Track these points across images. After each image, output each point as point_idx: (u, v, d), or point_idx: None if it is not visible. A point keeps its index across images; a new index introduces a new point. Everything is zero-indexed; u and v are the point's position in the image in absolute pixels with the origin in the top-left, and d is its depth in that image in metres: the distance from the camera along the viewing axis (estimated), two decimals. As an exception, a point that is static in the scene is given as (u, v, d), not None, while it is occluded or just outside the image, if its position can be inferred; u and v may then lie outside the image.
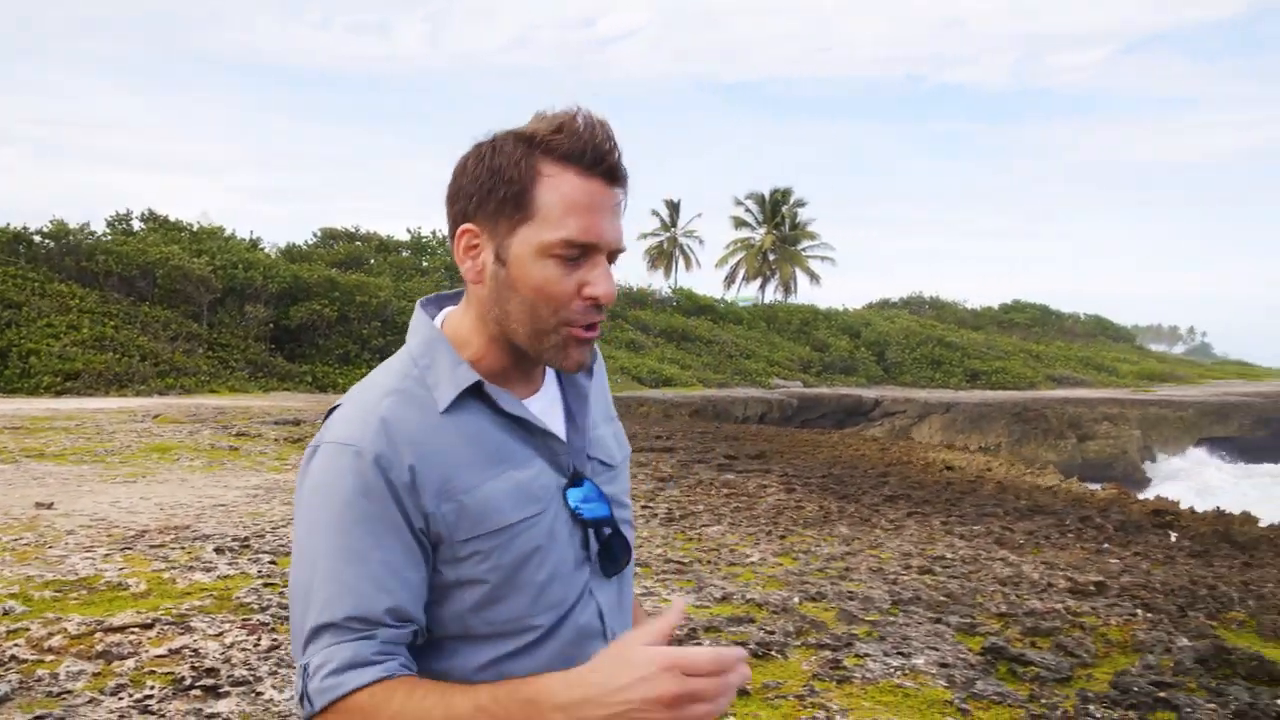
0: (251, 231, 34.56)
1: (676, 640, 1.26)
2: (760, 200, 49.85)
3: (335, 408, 1.20)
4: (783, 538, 7.17)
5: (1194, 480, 28.19)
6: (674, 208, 53.48)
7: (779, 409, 30.43)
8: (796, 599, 5.33)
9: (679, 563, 6.12)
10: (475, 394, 1.20)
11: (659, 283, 50.63)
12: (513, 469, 1.20)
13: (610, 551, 1.26)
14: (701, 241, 55.17)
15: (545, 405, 1.28)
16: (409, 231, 36.91)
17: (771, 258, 49.80)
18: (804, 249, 50.29)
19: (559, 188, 1.15)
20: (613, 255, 1.19)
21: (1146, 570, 6.65)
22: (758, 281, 50.42)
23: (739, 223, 50.20)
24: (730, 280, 50.56)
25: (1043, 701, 4.02)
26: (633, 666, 1.01)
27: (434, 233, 37.75)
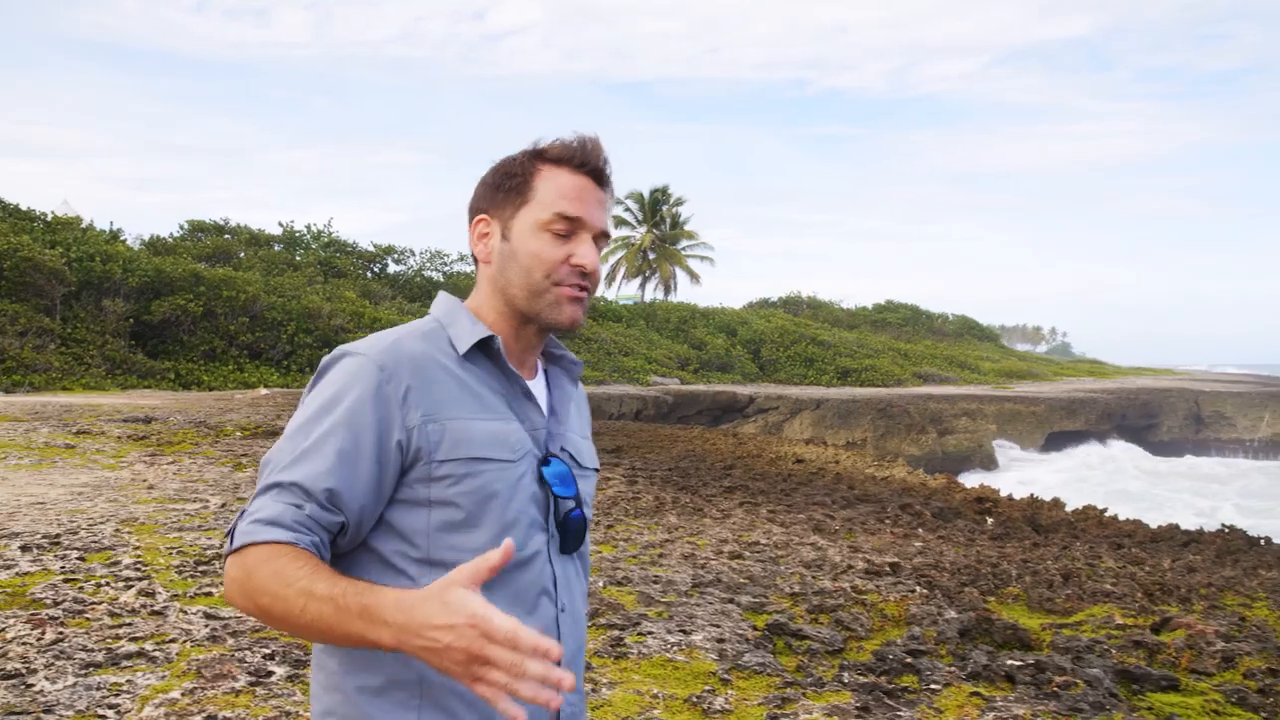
0: (112, 223, 33.07)
1: None
2: (640, 199, 50.35)
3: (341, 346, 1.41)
4: (609, 527, 7.42)
5: (1040, 470, 29.86)
6: (557, 205, 53.37)
7: (654, 406, 30.84)
8: (602, 583, 5.57)
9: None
10: (484, 352, 1.41)
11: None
12: (497, 420, 1.38)
13: (569, 529, 1.42)
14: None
15: (535, 390, 1.47)
16: (281, 225, 36.00)
17: (651, 256, 50.39)
18: (683, 248, 51.03)
19: (554, 179, 1.42)
20: (599, 239, 1.44)
21: (940, 552, 7.15)
22: (639, 280, 50.98)
23: (619, 221, 50.56)
24: (611, 279, 50.95)
25: (806, 671, 4.35)
26: (447, 609, 1.08)
27: (309, 226, 36.93)
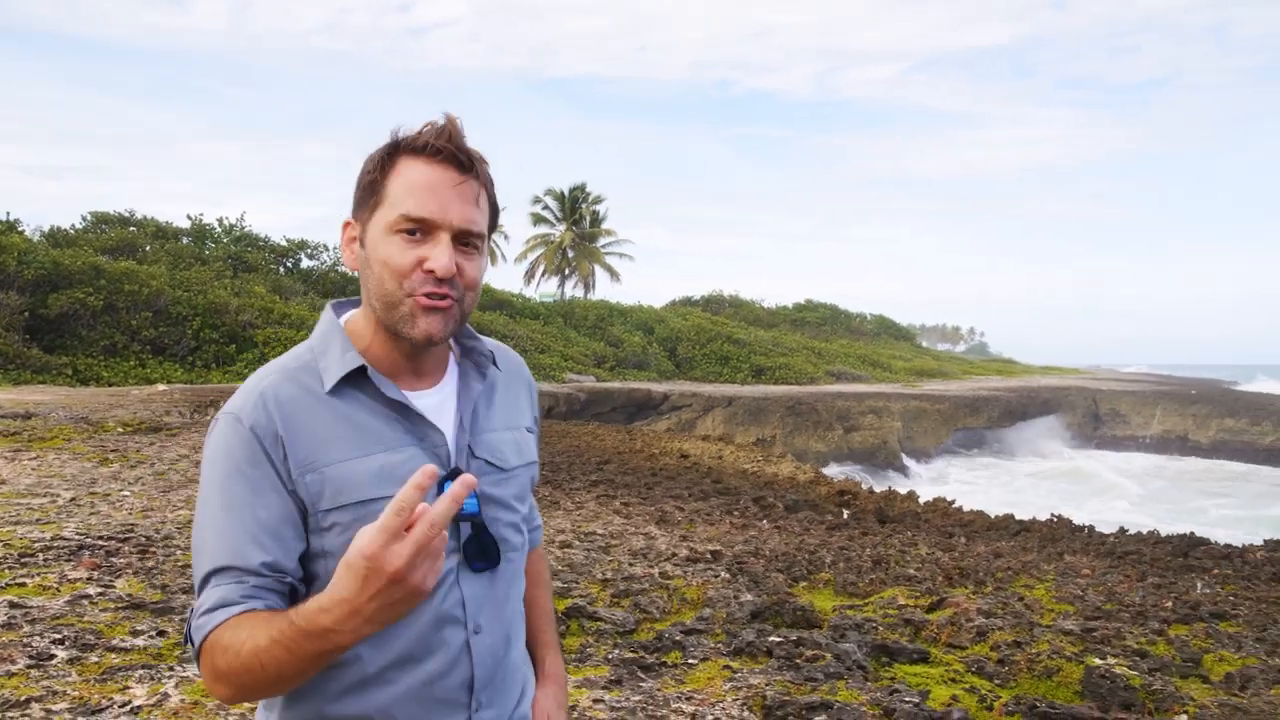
0: (9, 213, 32.19)
1: None
2: (559, 197, 50.50)
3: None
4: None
5: (942, 465, 30.82)
6: (479, 202, 53.32)
7: (566, 402, 31.04)
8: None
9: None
10: (360, 379, 1.32)
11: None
12: (383, 452, 1.29)
13: (479, 546, 1.34)
14: (507, 237, 55.32)
15: (436, 401, 1.37)
16: (190, 218, 35.40)
17: (570, 254, 50.58)
18: (603, 246, 51.33)
19: (405, 174, 1.29)
20: (461, 235, 1.29)
21: (768, 540, 7.53)
22: (559, 277, 51.14)
23: (537, 219, 50.71)
24: (530, 276, 51.08)
25: (582, 650, 4.64)
26: (353, 570, 1.06)
27: (220, 220, 36.32)
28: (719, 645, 4.71)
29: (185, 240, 34.79)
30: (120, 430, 13.14)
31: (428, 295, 1.28)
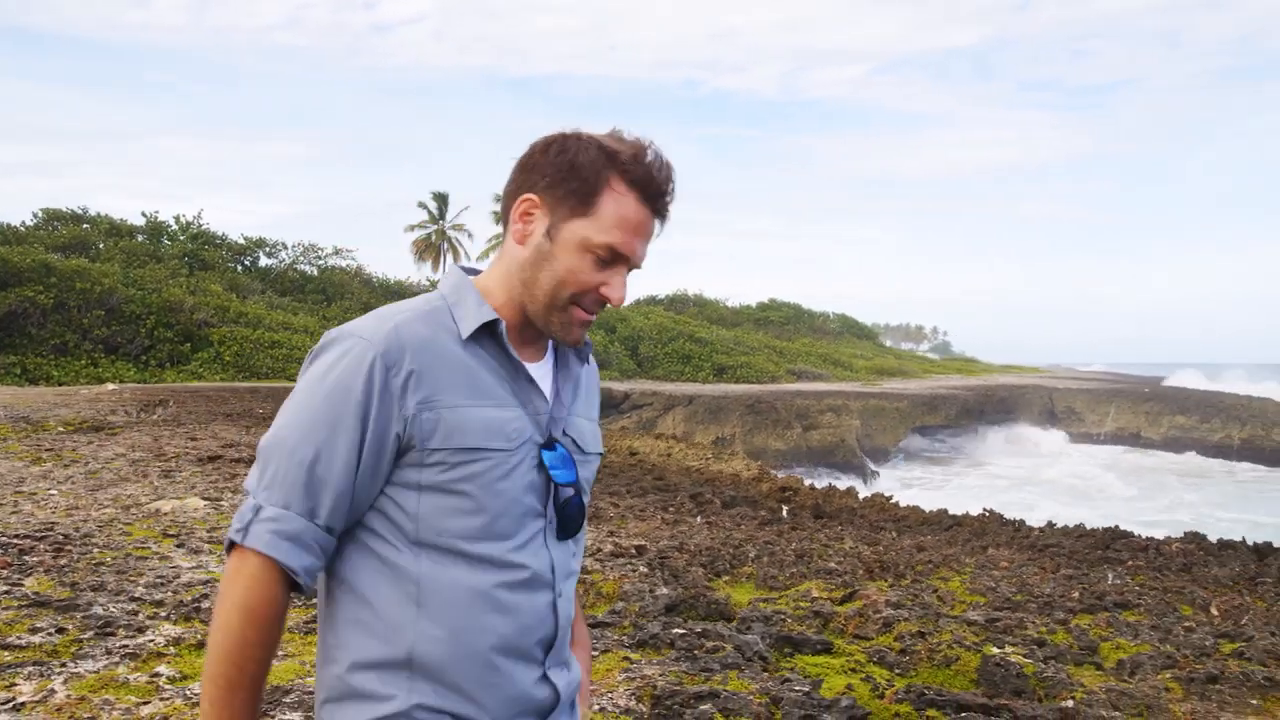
0: (-42, 210, 31.67)
1: None
2: (522, 196, 50.30)
3: (343, 325, 1.39)
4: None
5: (903, 464, 31.15)
6: (442, 200, 53.28)
7: (526, 401, 31.07)
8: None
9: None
10: (488, 335, 1.39)
11: (429, 275, 50.35)
12: (493, 406, 1.36)
13: (567, 515, 1.42)
14: (471, 235, 55.24)
15: (539, 374, 1.44)
16: (145, 215, 34.95)
17: (533, 253, 50.48)
18: (566, 245, 51.27)
19: (619, 202, 1.36)
20: (631, 269, 1.41)
21: (694, 536, 7.60)
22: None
23: (499, 217, 50.28)
24: (492, 275, 50.83)
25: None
26: None
27: (177, 217, 35.91)
28: (623, 638, 4.77)
29: (140, 238, 34.38)
30: (60, 429, 12.99)
31: (587, 312, 1.39)
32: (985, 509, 10.16)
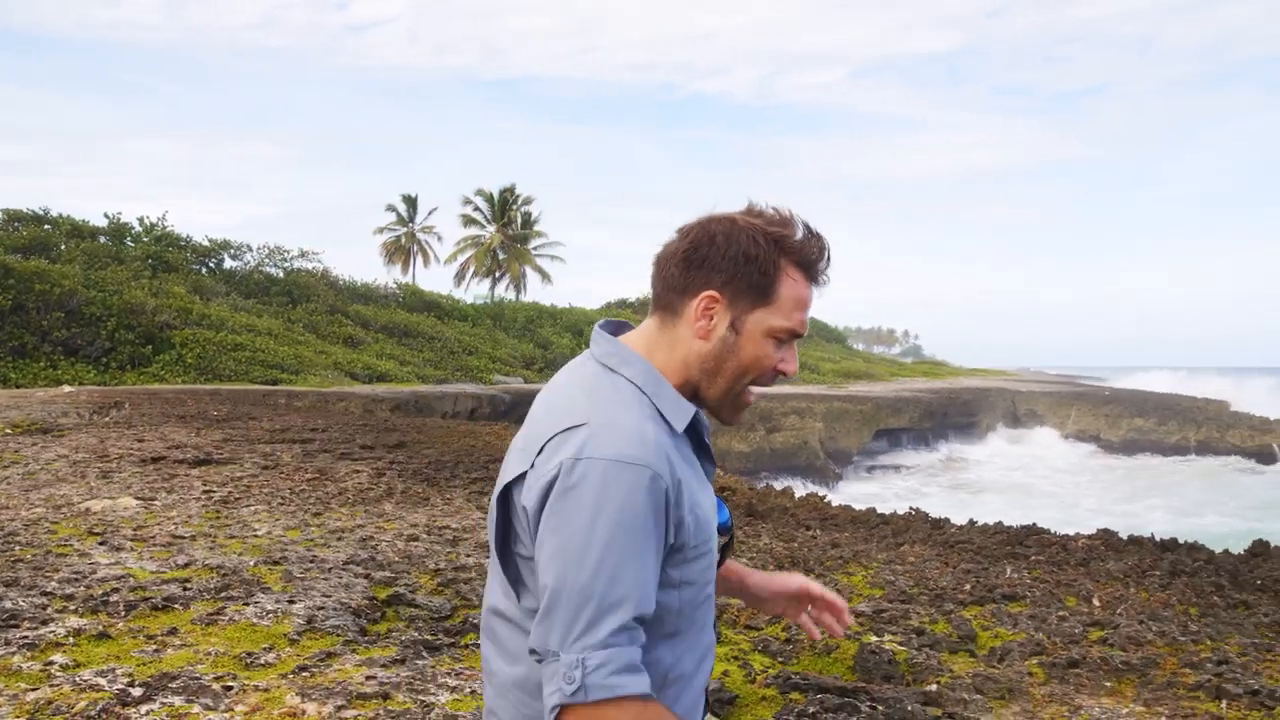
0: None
1: None
2: (489, 198, 50.62)
3: (575, 427, 1.36)
4: (317, 514, 7.82)
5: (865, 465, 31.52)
6: (411, 203, 53.40)
7: (490, 404, 31.11)
8: (253, 562, 5.98)
9: (181, 536, 6.63)
10: (689, 426, 1.49)
11: (398, 278, 50.35)
12: (707, 492, 1.50)
13: (725, 554, 1.59)
14: (440, 238, 55.32)
15: None
16: (107, 216, 34.79)
17: (501, 256, 50.70)
18: (534, 247, 51.52)
19: (794, 288, 1.47)
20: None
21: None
22: (489, 279, 51.23)
23: (468, 220, 50.83)
24: (460, 277, 51.13)
25: (392, 634, 4.86)
26: None
27: (141, 218, 35.76)
28: (516, 627, 4.97)
29: (103, 239, 34.22)
30: (8, 431, 13.03)
31: (750, 394, 1.51)
32: (911, 508, 10.43)
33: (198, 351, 28.27)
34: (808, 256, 1.48)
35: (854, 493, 25.00)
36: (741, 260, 1.44)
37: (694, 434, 1.50)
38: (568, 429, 1.36)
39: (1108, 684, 4.77)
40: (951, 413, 39.67)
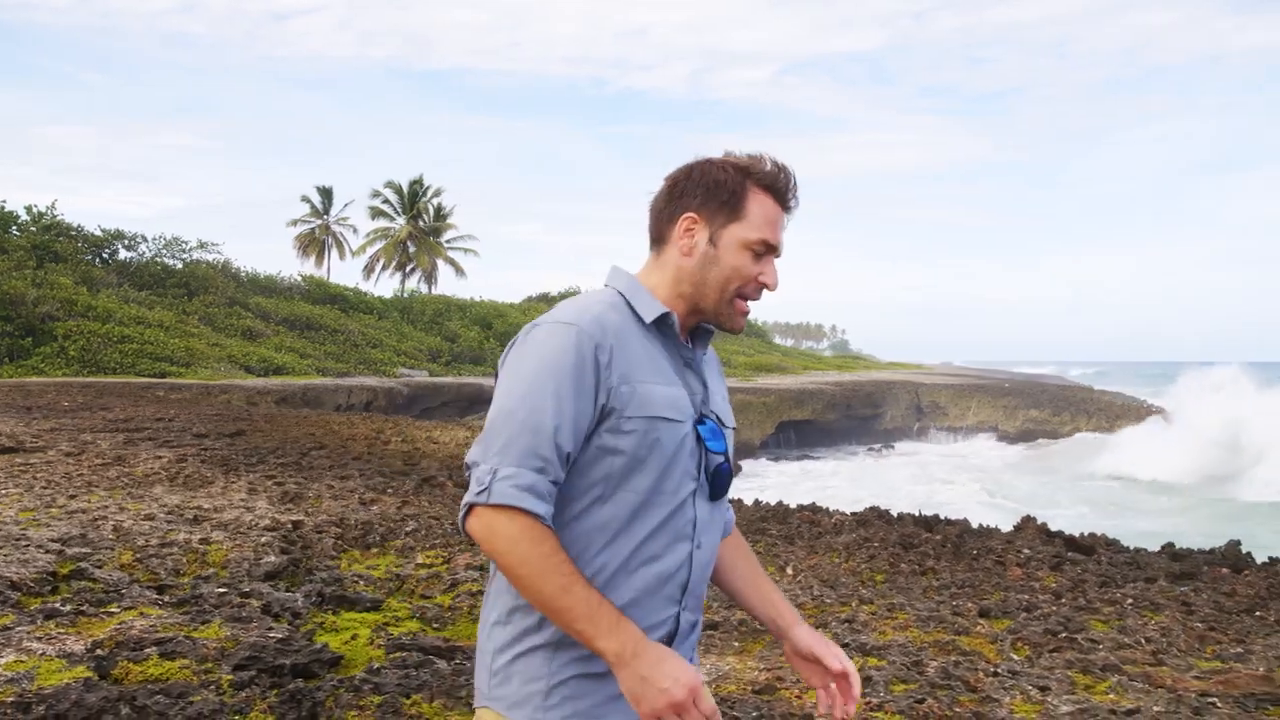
0: None
1: None
2: (398, 190, 50.24)
3: (541, 317, 1.62)
4: (72, 497, 7.79)
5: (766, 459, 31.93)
6: (326, 194, 52.73)
7: (387, 397, 30.84)
8: (-52, 541, 5.96)
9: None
10: (660, 325, 1.68)
11: (312, 271, 49.71)
12: (671, 385, 1.64)
13: (718, 479, 1.69)
14: (356, 230, 54.75)
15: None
16: (-9, 205, 33.85)
17: (411, 248, 50.33)
18: (447, 240, 51.22)
19: (762, 206, 1.68)
20: (777, 257, 1.72)
21: (374, 512, 7.91)
22: (400, 272, 50.84)
23: (377, 212, 50.40)
24: (370, 270, 50.63)
25: (47, 607, 4.91)
26: (683, 670, 1.49)
27: (28, 207, 34.81)
28: (162, 597, 5.05)
29: (-15, 228, 33.26)
30: None
31: (747, 302, 1.71)
32: (780, 501, 10.64)
33: (81, 344, 27.69)
34: (773, 180, 1.69)
35: (738, 486, 25.32)
36: (713, 185, 1.67)
37: (669, 336, 1.70)
38: (542, 316, 1.64)
39: (736, 644, 4.99)
40: (855, 405, 40.30)
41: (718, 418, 1.73)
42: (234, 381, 27.37)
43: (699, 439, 1.65)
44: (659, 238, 1.73)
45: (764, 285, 1.72)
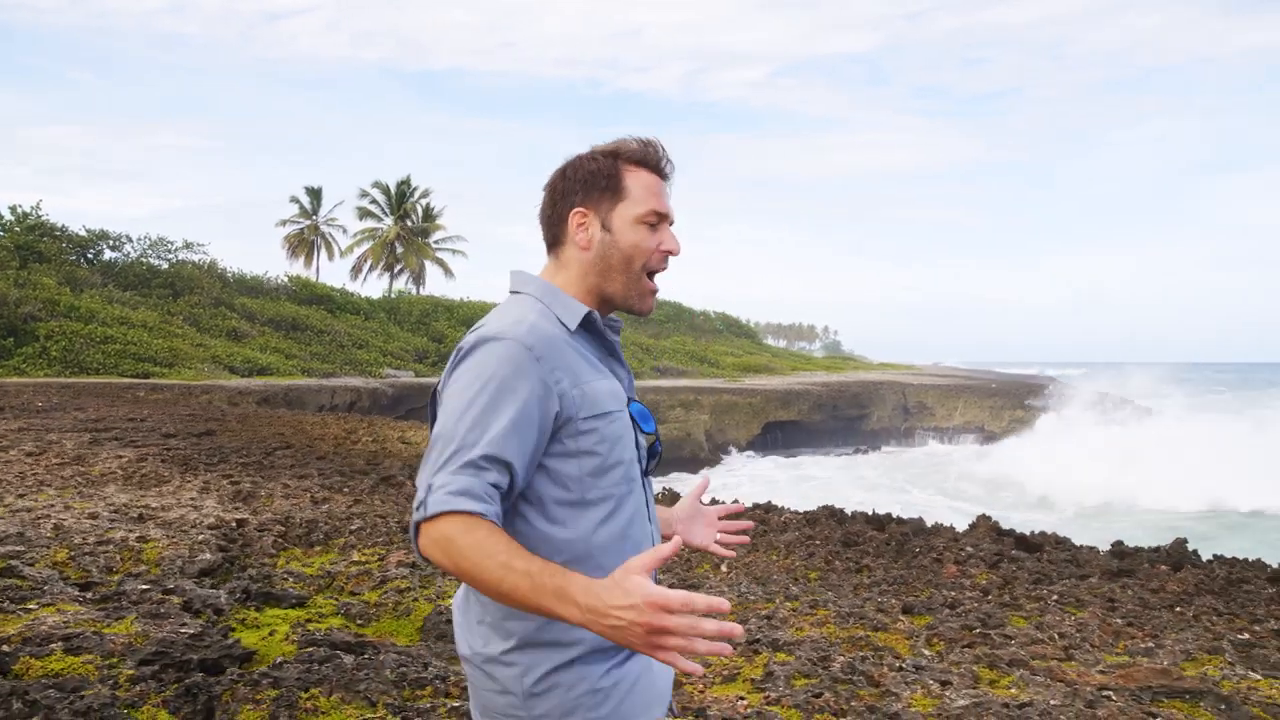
0: None
1: None
2: (386, 190, 50.21)
3: (479, 329, 1.64)
4: (21, 496, 7.81)
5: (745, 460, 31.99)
6: (315, 195, 52.64)
7: (371, 398, 30.85)
8: (-117, 539, 5.99)
9: None
10: (585, 326, 1.72)
11: (301, 272, 49.70)
12: (606, 379, 1.69)
13: (652, 457, 1.76)
14: (345, 230, 54.70)
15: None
16: (-24, 206, 33.82)
17: (399, 249, 50.30)
18: (435, 241, 51.18)
19: (640, 179, 1.74)
20: (671, 224, 1.78)
21: (320, 510, 7.94)
22: (388, 273, 50.77)
23: (364, 213, 50.35)
24: (357, 271, 50.60)
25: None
26: (627, 593, 1.34)
27: (13, 207, 34.80)
28: (86, 595, 5.08)
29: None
30: None
31: (654, 279, 1.77)
32: (755, 503, 10.68)
33: (64, 344, 27.69)
34: (643, 154, 1.76)
35: (718, 483, 25.37)
36: (589, 176, 1.73)
37: (594, 333, 1.74)
38: (473, 332, 1.65)
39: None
40: (842, 405, 40.34)
41: (639, 401, 1.81)
42: (216, 382, 27.36)
43: (633, 421, 1.73)
44: (554, 240, 1.78)
45: (668, 252, 1.77)
